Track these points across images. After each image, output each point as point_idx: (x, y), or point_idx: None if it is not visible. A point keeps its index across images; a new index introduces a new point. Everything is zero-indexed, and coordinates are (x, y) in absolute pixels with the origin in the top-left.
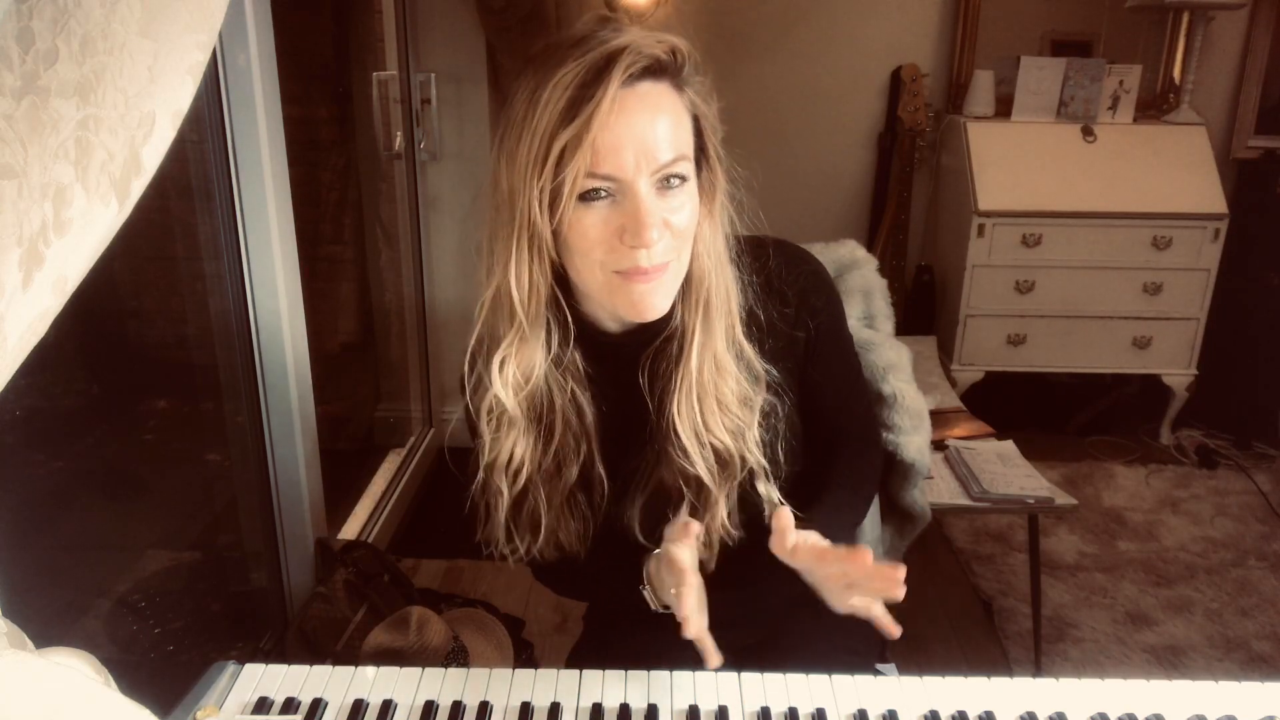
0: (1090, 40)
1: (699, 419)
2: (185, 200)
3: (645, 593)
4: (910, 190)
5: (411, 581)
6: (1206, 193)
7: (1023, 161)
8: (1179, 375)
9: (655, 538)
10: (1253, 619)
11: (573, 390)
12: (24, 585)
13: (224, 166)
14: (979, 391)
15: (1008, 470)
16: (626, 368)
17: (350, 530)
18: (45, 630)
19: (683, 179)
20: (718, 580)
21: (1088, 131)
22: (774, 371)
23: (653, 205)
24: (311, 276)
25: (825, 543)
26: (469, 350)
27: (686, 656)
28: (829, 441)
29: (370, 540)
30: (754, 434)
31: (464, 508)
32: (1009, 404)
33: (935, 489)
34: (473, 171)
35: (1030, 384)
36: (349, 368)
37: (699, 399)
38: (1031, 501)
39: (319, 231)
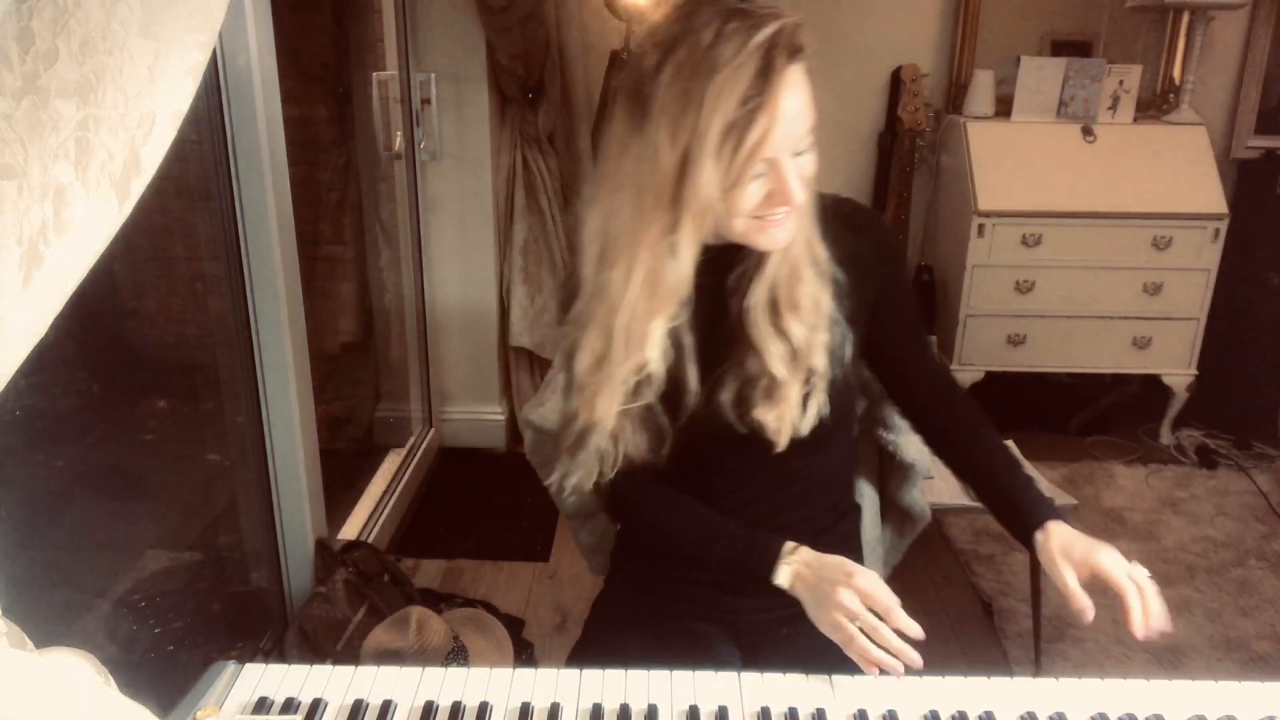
0: (1090, 40)
1: (780, 314)
2: (185, 200)
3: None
4: (910, 190)
5: (411, 581)
6: (1206, 193)
7: (1023, 161)
8: (1179, 375)
9: (746, 422)
10: (1253, 619)
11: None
12: (24, 585)
13: (224, 166)
14: (979, 391)
15: None
16: (719, 271)
17: (350, 530)
18: (45, 630)
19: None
20: (783, 458)
21: (1088, 131)
22: (842, 279)
23: (797, 174)
24: (311, 276)
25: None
26: (565, 288)
27: (686, 656)
28: (930, 392)
29: (370, 540)
30: (821, 336)
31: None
32: (1009, 404)
33: (935, 489)
34: (473, 171)
35: (1030, 384)
36: (349, 368)
37: (781, 296)
38: None
39: (319, 231)
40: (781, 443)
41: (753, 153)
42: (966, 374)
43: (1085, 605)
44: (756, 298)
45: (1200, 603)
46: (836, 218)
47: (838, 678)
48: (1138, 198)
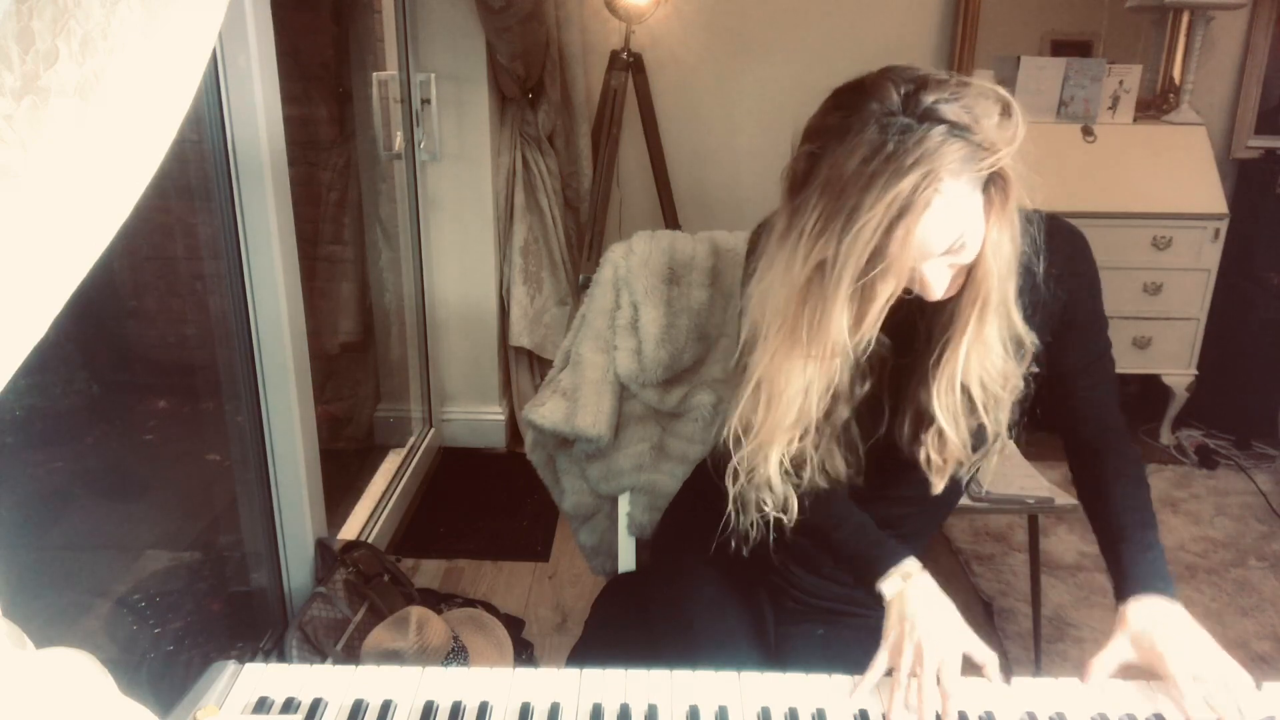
0: (1090, 40)
1: (969, 370)
2: (185, 200)
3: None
4: None
5: (411, 581)
6: (1206, 193)
7: (1023, 161)
8: (1179, 375)
9: (911, 451)
10: (1253, 619)
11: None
12: (24, 585)
13: (224, 166)
14: None
15: (1008, 470)
16: (910, 309)
17: (350, 530)
18: (45, 630)
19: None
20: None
21: (1088, 131)
22: (1036, 340)
23: (940, 275)
24: (311, 276)
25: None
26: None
27: (686, 657)
28: (1093, 435)
29: (370, 540)
30: (1005, 411)
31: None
32: None
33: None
34: (473, 171)
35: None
36: (349, 368)
37: (961, 378)
38: (1031, 501)
39: (319, 231)
40: (937, 486)
41: (887, 257)
42: None
43: (1090, 680)
44: (943, 358)
45: (1200, 603)
46: (1049, 228)
47: (838, 677)
48: (1138, 198)
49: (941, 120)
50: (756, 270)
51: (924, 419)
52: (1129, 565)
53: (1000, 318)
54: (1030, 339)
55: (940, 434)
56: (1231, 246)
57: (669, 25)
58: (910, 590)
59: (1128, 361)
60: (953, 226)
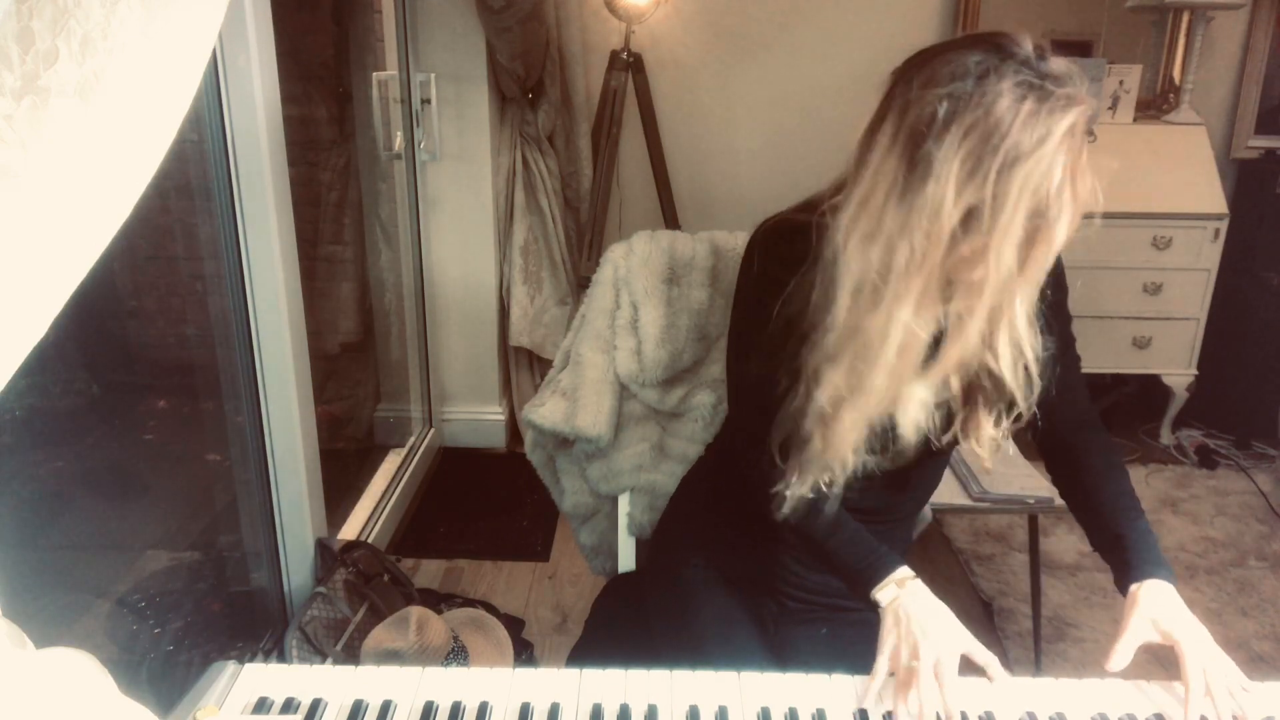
0: (1090, 40)
1: (1020, 342)
2: (185, 200)
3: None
4: None
5: (411, 581)
6: (1206, 193)
7: None
8: (1179, 375)
9: (941, 439)
10: (1253, 619)
11: None
12: (24, 585)
13: (224, 166)
14: None
15: (1008, 470)
16: None
17: (350, 530)
18: (45, 630)
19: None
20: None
21: (1088, 131)
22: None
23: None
24: (311, 276)
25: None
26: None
27: (686, 657)
28: (1070, 424)
29: (370, 540)
30: (1036, 384)
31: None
32: None
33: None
34: (473, 171)
35: None
36: (349, 368)
37: (992, 327)
38: (1031, 501)
39: (319, 231)
40: (987, 461)
41: (1052, 245)
42: None
43: (1117, 664)
44: (968, 329)
45: (1200, 603)
46: None
47: (838, 677)
48: (1138, 198)
49: (1074, 74)
50: (844, 230)
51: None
52: (1133, 552)
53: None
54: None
55: (973, 418)
56: (1231, 246)
57: (669, 25)
58: (905, 596)
59: (1128, 361)
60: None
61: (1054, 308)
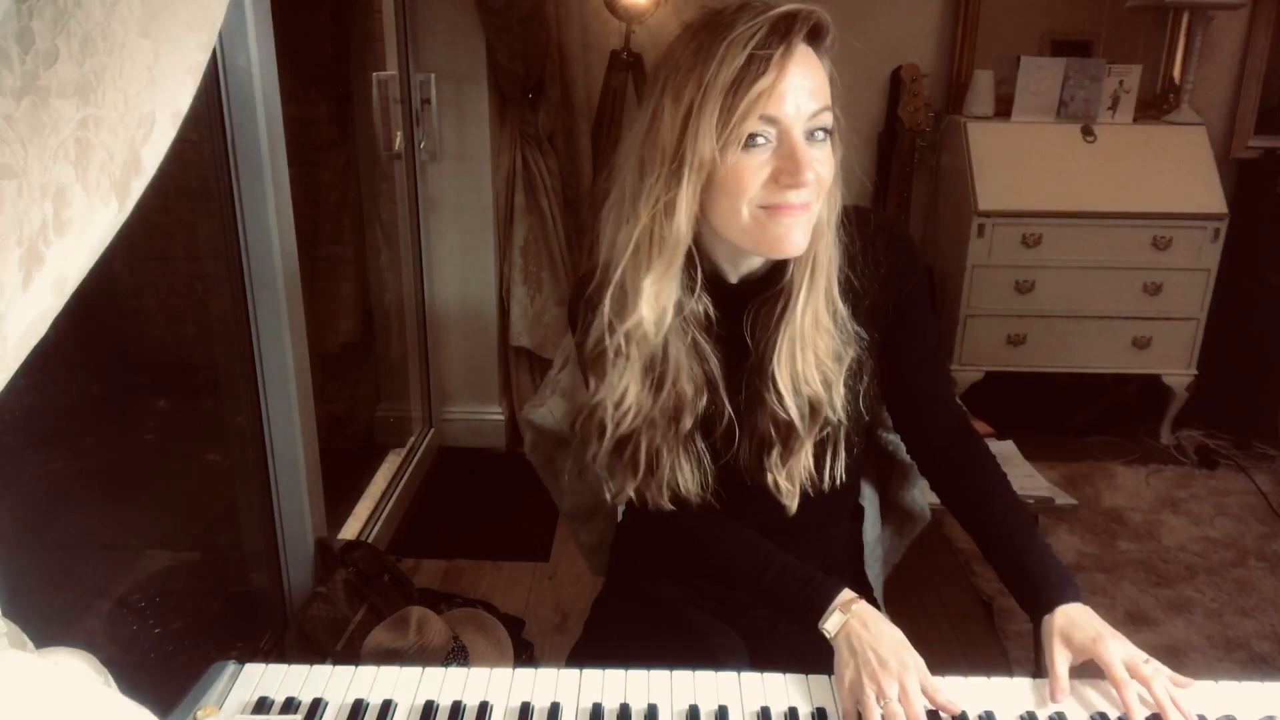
0: (1090, 40)
1: (797, 367)
2: (185, 200)
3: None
4: (910, 190)
5: (411, 581)
6: (1206, 193)
7: (1023, 161)
8: (1179, 375)
9: (757, 481)
10: (1253, 619)
11: (694, 338)
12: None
13: (224, 166)
14: (979, 391)
15: (1008, 470)
16: (736, 317)
17: (350, 530)
18: (45, 630)
19: (827, 133)
20: (794, 524)
21: (1088, 131)
22: (863, 333)
23: (806, 149)
24: (311, 276)
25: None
26: (578, 284)
27: (686, 657)
28: (943, 431)
29: (370, 540)
30: (839, 389)
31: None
32: (1009, 404)
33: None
34: (473, 171)
35: (1030, 384)
36: (349, 368)
37: (799, 349)
38: (1031, 501)
39: (319, 231)
40: (791, 506)
41: (754, 103)
42: (966, 374)
43: (1061, 691)
44: (775, 345)
45: (1200, 603)
46: (873, 229)
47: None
48: (1138, 198)
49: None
50: (616, 168)
51: (767, 441)
52: (1036, 575)
53: (825, 288)
54: (853, 326)
55: (783, 453)
56: (1231, 246)
57: (669, 25)
58: (854, 623)
59: (1128, 361)
60: (820, 89)
61: (900, 312)
